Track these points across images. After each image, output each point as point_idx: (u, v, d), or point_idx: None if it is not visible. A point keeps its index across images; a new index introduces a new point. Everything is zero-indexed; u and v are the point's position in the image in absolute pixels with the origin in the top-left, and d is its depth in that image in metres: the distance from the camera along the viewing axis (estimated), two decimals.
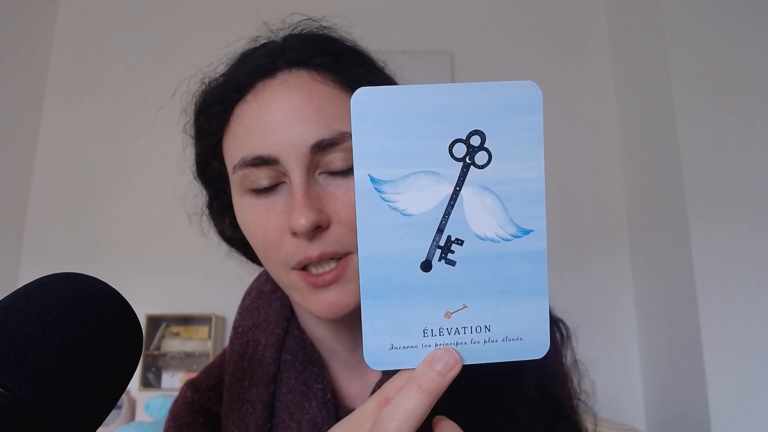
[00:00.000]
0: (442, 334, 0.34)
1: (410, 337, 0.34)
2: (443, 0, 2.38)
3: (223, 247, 0.65)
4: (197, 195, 0.63)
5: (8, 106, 2.15)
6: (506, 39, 2.34)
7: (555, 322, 0.60)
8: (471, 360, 0.34)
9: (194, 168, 0.60)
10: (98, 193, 2.24)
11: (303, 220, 0.46)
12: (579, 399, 0.60)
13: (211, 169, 0.58)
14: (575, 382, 0.61)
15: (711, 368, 1.61)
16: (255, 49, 0.55)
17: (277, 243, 0.50)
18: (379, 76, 0.57)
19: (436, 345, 0.34)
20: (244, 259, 0.65)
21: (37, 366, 0.30)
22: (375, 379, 0.58)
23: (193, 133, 0.59)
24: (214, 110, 0.54)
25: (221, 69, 0.57)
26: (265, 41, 0.56)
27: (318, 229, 0.48)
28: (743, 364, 1.60)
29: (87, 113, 2.29)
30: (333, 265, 0.49)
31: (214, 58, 0.58)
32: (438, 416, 0.35)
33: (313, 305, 0.50)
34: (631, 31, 2.17)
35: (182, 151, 0.62)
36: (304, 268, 0.50)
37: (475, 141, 0.32)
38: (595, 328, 2.03)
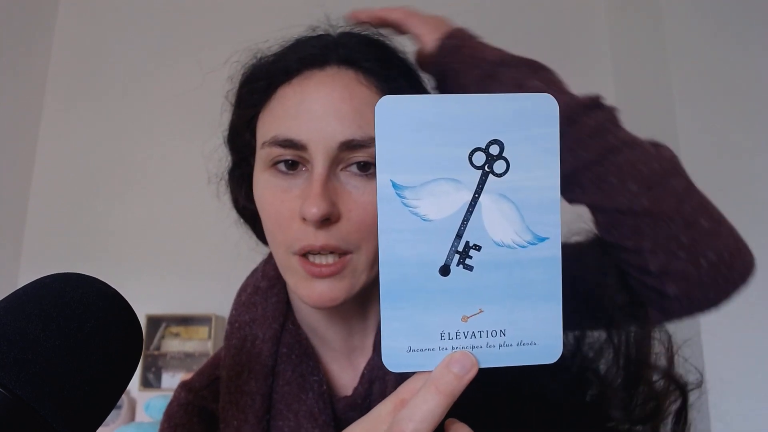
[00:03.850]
0: (458, 337, 0.34)
1: (428, 339, 0.34)
2: (443, 0, 2.38)
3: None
4: (221, 159, 0.65)
5: (8, 107, 2.15)
6: (506, 39, 2.33)
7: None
8: (486, 363, 0.35)
9: (226, 134, 0.62)
10: (98, 194, 2.24)
11: (315, 209, 0.48)
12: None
13: (241, 139, 0.59)
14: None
15: (711, 368, 1.62)
16: (310, 38, 0.58)
17: (287, 225, 0.51)
18: (420, 92, 0.58)
19: (452, 348, 0.34)
20: (244, 235, 0.67)
21: (37, 366, 0.30)
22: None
23: (233, 101, 0.61)
24: (259, 85, 0.56)
25: (275, 48, 0.59)
26: (321, 33, 0.58)
27: (327, 221, 0.49)
28: (743, 364, 1.61)
29: (87, 113, 2.29)
30: (332, 259, 0.51)
31: (270, 37, 0.60)
32: (450, 419, 0.36)
33: (304, 292, 0.52)
34: (631, 31, 2.18)
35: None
36: (304, 255, 0.51)
37: (494, 150, 0.33)
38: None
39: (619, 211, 0.55)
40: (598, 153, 0.54)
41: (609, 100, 0.55)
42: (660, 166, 0.55)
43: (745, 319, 1.62)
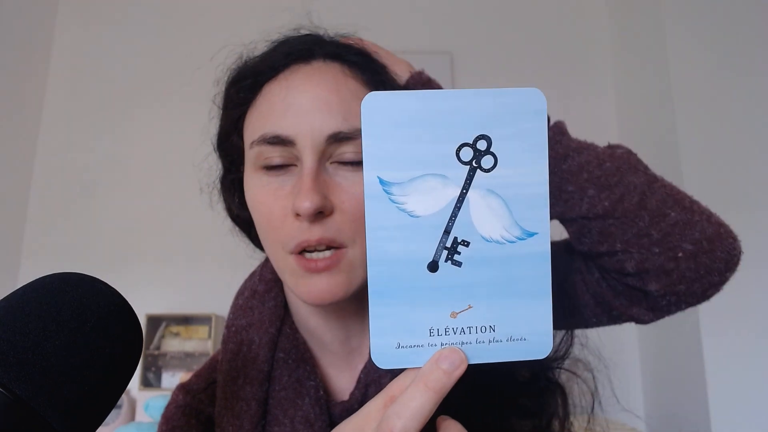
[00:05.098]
0: (447, 333, 0.34)
1: (417, 336, 0.34)
2: (443, 0, 2.38)
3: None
4: (212, 167, 0.65)
5: (8, 106, 2.15)
6: (506, 40, 2.35)
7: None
8: (476, 359, 0.34)
9: (215, 140, 0.62)
10: (98, 193, 2.24)
11: (307, 203, 0.48)
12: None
13: (230, 142, 0.59)
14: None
15: (711, 368, 1.62)
16: (296, 36, 0.59)
17: (280, 223, 0.51)
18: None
19: (442, 344, 0.34)
20: (240, 241, 0.67)
21: (37, 366, 0.30)
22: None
23: (221, 104, 0.61)
24: (245, 84, 0.56)
25: (261, 48, 0.59)
26: (306, 32, 0.59)
27: (320, 215, 0.49)
28: (743, 364, 1.61)
29: (87, 113, 2.29)
30: (328, 254, 0.51)
31: (255, 38, 0.60)
32: (442, 416, 0.36)
33: (304, 289, 0.51)
34: (631, 32, 2.18)
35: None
36: (300, 252, 0.51)
37: (482, 145, 0.33)
38: (595, 328, 2.03)
39: (584, 218, 0.55)
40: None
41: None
42: (613, 165, 0.55)
43: (746, 319, 1.62)
